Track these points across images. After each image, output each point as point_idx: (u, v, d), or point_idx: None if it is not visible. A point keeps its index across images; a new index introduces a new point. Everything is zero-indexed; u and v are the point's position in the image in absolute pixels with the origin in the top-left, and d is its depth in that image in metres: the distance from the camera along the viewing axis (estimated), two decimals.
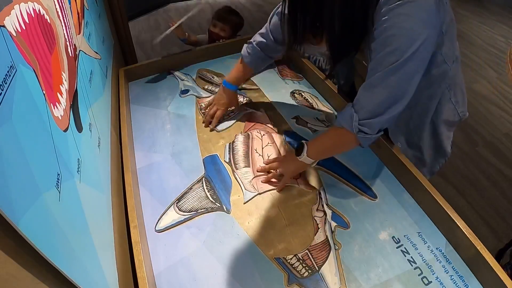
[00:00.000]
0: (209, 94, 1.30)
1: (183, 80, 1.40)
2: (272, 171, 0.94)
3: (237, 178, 0.96)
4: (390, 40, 0.67)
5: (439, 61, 0.80)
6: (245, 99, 1.28)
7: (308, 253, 0.79)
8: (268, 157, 1.03)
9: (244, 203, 0.90)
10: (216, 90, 1.30)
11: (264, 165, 0.98)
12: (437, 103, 0.90)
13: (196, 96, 1.30)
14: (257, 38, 1.06)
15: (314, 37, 0.81)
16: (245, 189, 0.93)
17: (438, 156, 1.01)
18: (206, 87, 1.36)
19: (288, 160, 0.93)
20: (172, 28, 1.46)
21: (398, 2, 0.63)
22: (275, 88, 1.34)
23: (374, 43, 0.69)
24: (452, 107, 0.92)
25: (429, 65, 0.75)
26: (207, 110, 1.17)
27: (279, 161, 0.95)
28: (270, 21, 1.03)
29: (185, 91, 1.33)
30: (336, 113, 1.21)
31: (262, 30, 1.06)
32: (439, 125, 0.94)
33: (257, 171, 0.97)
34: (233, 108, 1.20)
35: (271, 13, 1.03)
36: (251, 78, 1.39)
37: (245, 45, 1.10)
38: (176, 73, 1.44)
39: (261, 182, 0.94)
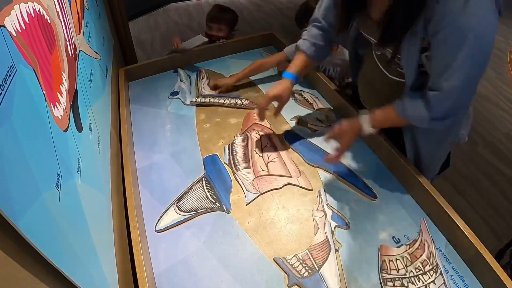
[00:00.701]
0: (195, 103, 1.26)
1: (181, 81, 1.40)
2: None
3: (238, 180, 0.96)
4: (452, 39, 0.67)
5: None
6: (243, 101, 1.27)
7: (308, 253, 0.79)
8: (268, 157, 1.03)
9: (246, 205, 0.90)
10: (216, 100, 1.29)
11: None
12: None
13: (181, 101, 1.29)
14: (312, 31, 1.02)
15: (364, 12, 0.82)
16: (247, 190, 0.93)
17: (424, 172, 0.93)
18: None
19: (349, 131, 0.90)
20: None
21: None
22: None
23: (437, 38, 0.69)
24: (455, 128, 0.89)
25: None
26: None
27: (342, 128, 0.90)
28: (318, 10, 1.00)
29: (174, 93, 1.33)
30: (334, 114, 1.21)
31: (313, 22, 1.02)
32: (442, 144, 0.91)
33: (326, 139, 0.96)
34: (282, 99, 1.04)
35: (318, 2, 1.00)
36: (251, 78, 1.39)
37: (302, 40, 1.03)
38: (181, 71, 1.44)
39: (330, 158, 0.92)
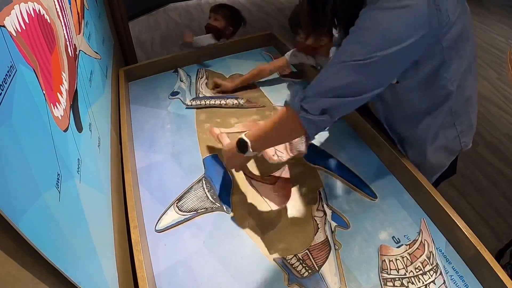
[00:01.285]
0: (191, 107, 1.26)
1: (181, 81, 1.40)
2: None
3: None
4: (364, 32, 0.64)
5: (441, 79, 0.74)
6: (240, 100, 1.26)
7: (308, 253, 0.79)
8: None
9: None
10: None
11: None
12: (435, 125, 0.84)
13: (181, 101, 1.29)
14: None
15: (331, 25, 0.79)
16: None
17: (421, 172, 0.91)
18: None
19: (232, 157, 0.85)
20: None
21: (388, 3, 0.60)
22: (275, 88, 1.34)
23: (352, 28, 0.66)
24: (454, 135, 0.86)
25: (431, 79, 0.74)
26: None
27: (226, 158, 0.88)
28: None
29: (175, 93, 1.33)
30: None
31: None
32: (431, 148, 0.88)
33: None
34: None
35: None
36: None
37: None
38: (180, 71, 1.44)
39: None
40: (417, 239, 0.80)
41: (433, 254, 0.77)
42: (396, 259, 0.77)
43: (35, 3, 0.54)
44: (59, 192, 0.47)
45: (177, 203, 0.91)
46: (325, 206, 0.89)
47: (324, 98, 0.68)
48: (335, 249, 0.80)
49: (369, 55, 0.62)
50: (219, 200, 0.91)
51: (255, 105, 1.25)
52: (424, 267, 0.75)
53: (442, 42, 0.67)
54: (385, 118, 0.94)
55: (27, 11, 0.49)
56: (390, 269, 0.75)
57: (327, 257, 0.78)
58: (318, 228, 0.84)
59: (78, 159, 0.60)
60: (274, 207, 0.82)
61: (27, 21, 0.48)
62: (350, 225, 0.85)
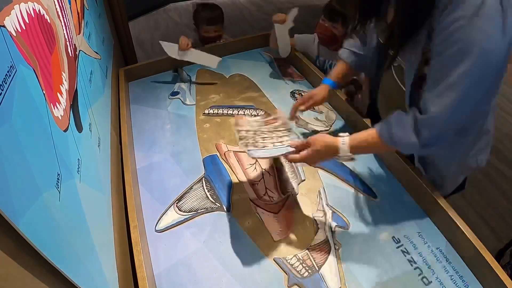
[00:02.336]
0: (194, 103, 1.27)
1: (181, 81, 1.40)
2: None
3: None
4: (451, 52, 0.60)
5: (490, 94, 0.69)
6: (258, 112, 1.22)
7: (308, 253, 0.79)
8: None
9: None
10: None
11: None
12: (463, 143, 0.80)
13: (181, 101, 1.29)
14: (352, 41, 1.04)
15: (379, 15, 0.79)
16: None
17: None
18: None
19: (324, 148, 0.78)
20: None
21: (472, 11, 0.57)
22: (275, 88, 1.34)
23: (439, 49, 0.63)
24: (473, 152, 0.83)
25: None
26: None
27: (317, 155, 0.79)
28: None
29: (174, 93, 1.33)
30: (335, 113, 1.21)
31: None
32: (451, 166, 0.86)
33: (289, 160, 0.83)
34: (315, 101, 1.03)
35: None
36: (252, 79, 1.39)
37: (342, 49, 1.05)
38: (181, 71, 1.44)
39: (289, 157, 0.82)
40: None
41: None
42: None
43: (35, 3, 0.54)
44: (59, 192, 0.47)
45: (177, 203, 0.91)
46: (325, 206, 0.89)
47: (445, 138, 0.68)
48: (335, 249, 0.80)
49: (479, 88, 0.61)
50: (219, 200, 0.91)
51: (271, 120, 0.99)
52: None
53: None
54: None
55: (27, 11, 0.49)
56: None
57: (327, 257, 0.78)
58: (318, 228, 0.84)
59: (78, 159, 0.60)
60: (275, 238, 0.82)
61: (27, 21, 0.48)
62: (350, 225, 0.85)
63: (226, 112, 1.23)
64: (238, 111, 1.23)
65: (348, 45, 1.04)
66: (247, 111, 1.23)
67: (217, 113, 1.23)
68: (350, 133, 0.78)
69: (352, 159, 0.78)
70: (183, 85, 1.38)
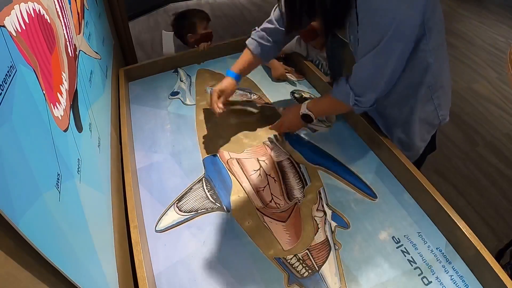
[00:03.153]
0: (194, 103, 1.27)
1: (181, 81, 1.40)
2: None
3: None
4: (373, 16, 0.72)
5: (421, 51, 0.80)
6: (253, 96, 1.27)
7: (308, 253, 0.79)
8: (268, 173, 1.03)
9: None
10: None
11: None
12: (416, 98, 0.89)
13: (181, 101, 1.29)
14: (263, 25, 1.08)
15: (310, 18, 0.87)
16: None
17: (406, 150, 0.98)
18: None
19: (293, 121, 1.06)
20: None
21: None
22: (275, 88, 1.34)
23: (360, 21, 0.74)
24: (432, 108, 0.91)
25: (412, 52, 0.79)
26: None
27: (287, 121, 1.08)
28: (273, 12, 1.06)
29: (175, 93, 1.33)
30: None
31: (268, 19, 1.08)
32: (414, 122, 0.93)
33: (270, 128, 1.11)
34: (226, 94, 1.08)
35: (275, 5, 1.04)
36: (252, 79, 1.39)
37: (252, 33, 1.09)
38: (181, 71, 1.44)
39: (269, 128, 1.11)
40: None
41: None
42: None
43: (35, 3, 0.54)
44: (59, 192, 0.47)
45: (177, 203, 0.91)
46: (325, 206, 0.89)
47: (370, 93, 0.84)
48: (335, 249, 0.80)
49: (385, 33, 0.71)
50: (219, 200, 0.91)
51: (264, 103, 1.25)
52: None
53: (426, 15, 0.74)
54: None
55: (27, 11, 0.49)
56: None
57: (327, 257, 0.78)
58: (318, 228, 0.84)
59: (78, 159, 0.60)
60: (285, 247, 0.81)
61: (27, 21, 0.48)
62: (350, 225, 0.85)
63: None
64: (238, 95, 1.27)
65: (256, 36, 1.07)
66: (242, 92, 1.27)
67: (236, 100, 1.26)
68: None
69: (328, 126, 1.01)
70: (183, 85, 1.38)
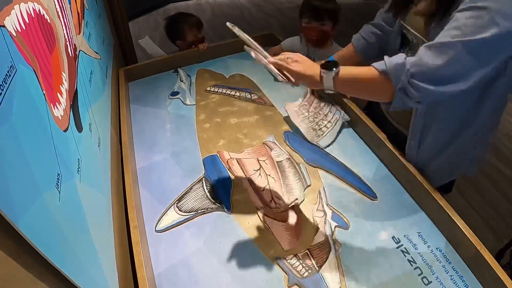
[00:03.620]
0: (194, 103, 1.27)
1: (181, 81, 1.40)
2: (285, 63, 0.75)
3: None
4: (471, 13, 0.60)
5: (491, 92, 0.72)
6: (253, 96, 1.29)
7: (308, 253, 0.79)
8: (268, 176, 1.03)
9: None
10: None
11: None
12: (468, 138, 0.83)
13: (181, 101, 1.29)
14: (368, 28, 1.05)
15: None
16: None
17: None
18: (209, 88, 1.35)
19: (307, 65, 0.76)
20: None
21: None
22: (275, 88, 1.34)
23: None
24: (471, 157, 0.87)
25: (481, 90, 0.72)
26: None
27: (298, 60, 0.76)
28: (380, 12, 1.03)
29: (175, 93, 1.33)
30: (336, 112, 1.21)
31: (373, 21, 1.05)
32: (442, 157, 0.87)
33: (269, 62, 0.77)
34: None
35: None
36: (252, 79, 1.39)
37: (357, 34, 1.07)
38: (181, 71, 1.44)
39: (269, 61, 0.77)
40: None
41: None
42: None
43: (35, 3, 0.54)
44: (59, 192, 0.47)
45: (177, 203, 0.91)
46: (325, 206, 0.89)
47: (432, 86, 0.65)
48: (335, 249, 0.80)
49: (495, 26, 0.58)
50: (219, 200, 0.91)
51: (264, 102, 1.27)
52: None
53: None
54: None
55: (27, 11, 0.49)
56: None
57: (327, 257, 0.78)
58: (318, 228, 0.84)
59: (78, 159, 0.60)
60: (285, 247, 0.81)
61: (27, 21, 0.48)
62: (350, 225, 0.85)
63: (225, 92, 1.32)
64: (235, 92, 1.32)
65: (363, 31, 1.05)
66: (243, 94, 1.31)
67: (217, 92, 1.32)
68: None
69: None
70: (183, 85, 1.38)
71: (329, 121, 1.13)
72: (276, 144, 1.08)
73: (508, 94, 0.77)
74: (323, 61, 0.74)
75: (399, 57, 0.68)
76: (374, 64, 0.71)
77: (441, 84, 0.65)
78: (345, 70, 0.72)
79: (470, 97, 0.76)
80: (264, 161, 1.02)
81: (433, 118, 0.84)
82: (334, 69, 0.71)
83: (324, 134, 1.09)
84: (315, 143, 1.07)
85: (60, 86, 0.59)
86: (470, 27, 0.60)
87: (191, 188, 0.95)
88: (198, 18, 1.55)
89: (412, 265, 0.76)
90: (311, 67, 0.75)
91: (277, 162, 1.01)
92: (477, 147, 0.86)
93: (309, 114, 1.15)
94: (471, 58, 0.62)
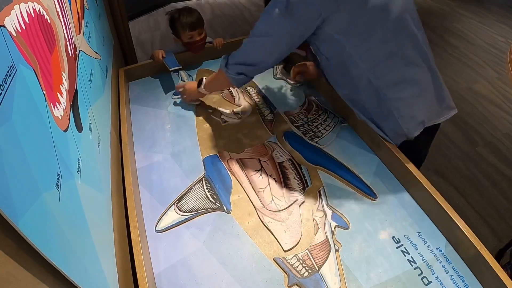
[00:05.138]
0: (198, 102, 1.26)
1: (183, 81, 1.40)
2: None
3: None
4: (263, 15, 0.87)
5: (348, 63, 0.88)
6: (253, 95, 1.31)
7: (308, 253, 0.79)
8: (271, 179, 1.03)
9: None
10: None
11: None
12: (374, 105, 0.94)
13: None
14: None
15: None
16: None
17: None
18: None
19: (190, 89, 1.21)
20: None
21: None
22: (276, 88, 1.34)
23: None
24: (393, 120, 0.92)
25: (340, 64, 0.90)
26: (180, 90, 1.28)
27: (185, 89, 1.24)
28: None
29: (178, 93, 1.33)
30: (334, 118, 1.21)
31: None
32: (385, 129, 0.97)
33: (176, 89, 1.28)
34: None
35: None
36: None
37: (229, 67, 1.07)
38: (181, 72, 1.44)
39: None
40: None
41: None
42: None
43: (35, 3, 0.54)
44: (59, 192, 0.47)
45: (177, 203, 0.91)
46: (325, 206, 0.89)
47: (238, 65, 0.98)
48: (335, 249, 0.80)
49: (258, 31, 0.89)
50: (219, 200, 0.91)
51: (264, 101, 1.28)
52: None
53: (325, 28, 0.83)
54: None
55: (27, 11, 0.49)
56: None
57: (327, 257, 0.78)
58: (318, 228, 0.84)
59: (78, 159, 0.60)
60: (285, 247, 0.81)
61: (27, 21, 0.48)
62: (350, 225, 0.85)
63: (225, 92, 1.34)
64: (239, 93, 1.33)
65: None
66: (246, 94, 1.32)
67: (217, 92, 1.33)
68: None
69: (239, 118, 1.18)
70: None
71: (328, 125, 1.14)
72: (278, 145, 1.08)
73: None
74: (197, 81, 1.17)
75: (225, 57, 1.02)
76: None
77: (247, 66, 0.97)
78: (208, 79, 1.14)
79: (338, 72, 0.97)
80: (265, 161, 1.02)
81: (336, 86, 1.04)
82: (201, 84, 1.14)
83: (323, 136, 1.10)
84: (315, 143, 1.07)
85: (60, 86, 0.59)
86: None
87: (191, 188, 0.95)
88: (194, 17, 1.44)
89: (412, 265, 0.76)
90: (192, 91, 1.21)
91: (278, 163, 1.01)
92: (393, 107, 0.91)
93: (307, 119, 1.17)
94: (256, 50, 0.95)
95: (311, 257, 0.78)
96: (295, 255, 0.79)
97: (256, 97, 1.30)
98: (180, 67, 1.36)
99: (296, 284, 0.74)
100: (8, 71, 0.39)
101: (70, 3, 0.82)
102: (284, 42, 0.89)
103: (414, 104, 0.92)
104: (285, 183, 0.95)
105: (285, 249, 0.80)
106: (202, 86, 1.13)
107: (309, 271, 0.76)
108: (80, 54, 0.81)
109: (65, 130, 0.56)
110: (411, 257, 0.78)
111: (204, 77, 1.14)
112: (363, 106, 0.98)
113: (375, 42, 0.84)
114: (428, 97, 0.92)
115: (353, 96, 0.99)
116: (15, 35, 0.43)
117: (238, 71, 0.98)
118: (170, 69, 1.34)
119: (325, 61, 0.95)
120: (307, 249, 0.80)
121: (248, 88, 1.34)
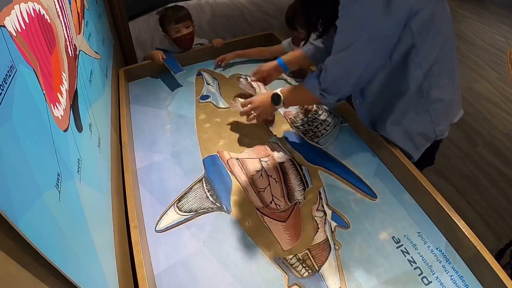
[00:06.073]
0: (227, 106, 1.26)
1: (208, 84, 1.38)
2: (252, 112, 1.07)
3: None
4: (343, 23, 0.78)
5: (410, 64, 0.81)
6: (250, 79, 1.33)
7: (308, 253, 0.79)
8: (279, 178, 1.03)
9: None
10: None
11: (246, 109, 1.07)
12: (407, 107, 0.89)
13: (214, 105, 1.26)
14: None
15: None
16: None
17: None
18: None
19: (264, 107, 1.05)
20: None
21: None
22: (275, 88, 1.34)
23: (338, 23, 0.79)
24: (428, 121, 0.89)
25: (399, 65, 0.83)
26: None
27: (257, 107, 1.05)
28: None
29: (205, 97, 1.31)
30: (334, 117, 1.21)
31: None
32: (412, 133, 0.93)
33: (240, 115, 1.10)
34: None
35: None
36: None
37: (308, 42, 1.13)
38: (205, 74, 1.43)
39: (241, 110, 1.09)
40: None
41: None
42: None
43: (35, 3, 0.54)
44: (59, 192, 0.47)
45: (177, 203, 0.91)
46: (325, 206, 0.89)
47: (337, 93, 0.89)
48: (335, 249, 0.80)
49: (353, 41, 0.78)
50: (219, 200, 0.91)
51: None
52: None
53: (411, 26, 0.75)
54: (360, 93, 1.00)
55: (27, 11, 0.49)
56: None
57: (327, 257, 0.78)
58: (318, 228, 0.84)
59: (78, 159, 0.60)
60: (285, 247, 0.81)
61: (27, 21, 0.48)
62: (350, 225, 0.85)
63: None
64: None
65: (312, 38, 1.11)
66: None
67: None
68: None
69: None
70: (211, 88, 1.36)
71: (328, 125, 1.14)
72: (279, 145, 1.08)
73: None
74: (271, 94, 1.01)
75: (314, 76, 0.91)
76: (304, 84, 0.95)
77: (345, 89, 0.90)
78: (287, 96, 0.99)
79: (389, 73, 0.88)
80: (266, 162, 1.02)
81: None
82: (280, 102, 1.00)
83: (323, 136, 1.10)
84: (315, 143, 1.07)
85: (60, 86, 0.59)
86: (345, 38, 0.79)
87: (191, 188, 0.95)
88: (180, 12, 1.45)
89: (412, 265, 0.76)
90: (267, 108, 1.04)
91: (279, 163, 1.01)
92: (431, 108, 0.89)
93: (307, 119, 1.17)
94: (355, 63, 0.82)
95: (311, 257, 0.78)
96: (295, 255, 0.79)
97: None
98: (185, 71, 1.35)
99: (296, 284, 0.74)
100: (8, 71, 0.39)
101: (70, 3, 0.82)
102: (386, 45, 0.80)
103: (450, 106, 0.92)
104: (285, 183, 0.95)
105: (285, 249, 0.80)
106: (281, 103, 1.00)
107: (309, 271, 0.76)
108: (80, 54, 0.81)
109: (65, 130, 0.56)
110: (411, 257, 0.78)
111: (278, 91, 1.00)
112: (400, 112, 0.91)
113: (440, 42, 0.81)
114: (457, 98, 0.94)
115: (393, 100, 0.91)
116: (15, 35, 0.43)
117: (339, 98, 0.91)
118: (175, 74, 1.33)
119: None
120: (307, 249, 0.80)
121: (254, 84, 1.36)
